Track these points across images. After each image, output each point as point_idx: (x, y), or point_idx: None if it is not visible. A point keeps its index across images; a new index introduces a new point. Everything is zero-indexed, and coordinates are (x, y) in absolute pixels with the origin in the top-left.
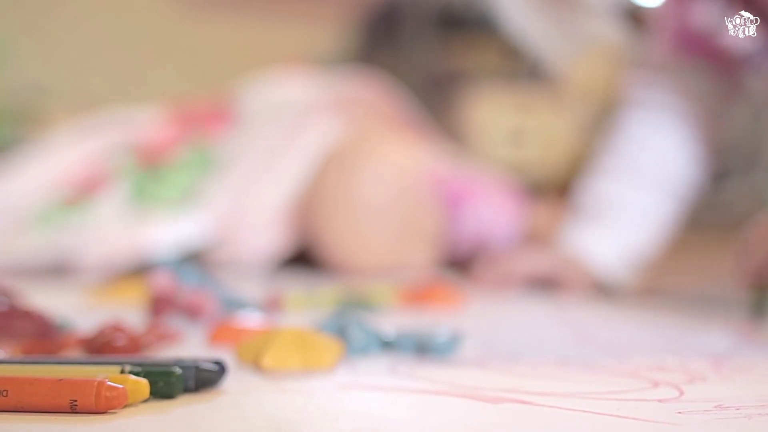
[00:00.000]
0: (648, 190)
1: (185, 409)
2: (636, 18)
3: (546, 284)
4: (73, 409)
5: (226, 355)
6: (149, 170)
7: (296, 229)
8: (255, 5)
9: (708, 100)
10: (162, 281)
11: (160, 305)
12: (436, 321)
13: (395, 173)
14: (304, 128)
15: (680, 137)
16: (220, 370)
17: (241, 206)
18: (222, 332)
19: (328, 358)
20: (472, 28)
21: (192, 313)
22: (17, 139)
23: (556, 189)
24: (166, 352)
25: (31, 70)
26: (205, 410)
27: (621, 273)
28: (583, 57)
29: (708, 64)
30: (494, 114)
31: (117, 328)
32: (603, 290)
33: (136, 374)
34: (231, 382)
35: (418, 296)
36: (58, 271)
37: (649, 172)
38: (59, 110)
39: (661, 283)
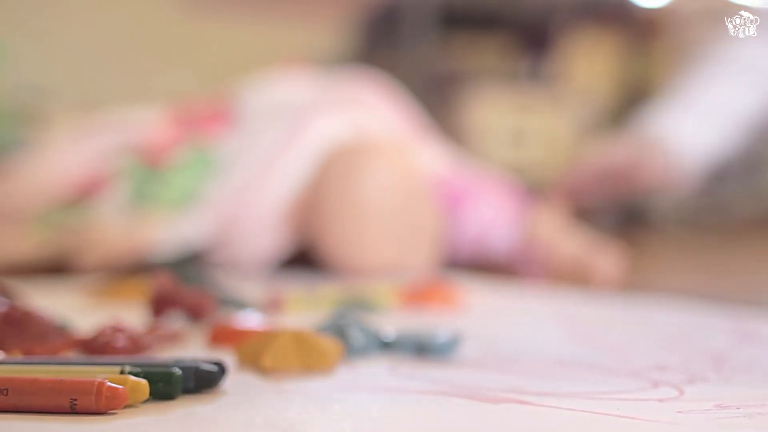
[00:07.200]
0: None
1: (185, 410)
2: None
3: (619, 183)
4: (73, 409)
5: (226, 356)
6: (150, 171)
7: (297, 230)
8: (255, 5)
9: None
10: (162, 281)
11: (160, 305)
12: (436, 321)
13: (396, 174)
14: (304, 129)
15: None
16: (220, 370)
17: (242, 207)
18: (222, 333)
19: (328, 358)
20: (472, 28)
21: (192, 313)
22: (17, 139)
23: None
24: (166, 353)
25: (31, 70)
26: (205, 411)
27: (702, 160)
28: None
29: None
30: (494, 114)
31: (117, 329)
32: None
33: (136, 375)
34: (231, 382)
35: (418, 297)
36: (58, 271)
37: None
38: (59, 110)
39: (661, 283)
